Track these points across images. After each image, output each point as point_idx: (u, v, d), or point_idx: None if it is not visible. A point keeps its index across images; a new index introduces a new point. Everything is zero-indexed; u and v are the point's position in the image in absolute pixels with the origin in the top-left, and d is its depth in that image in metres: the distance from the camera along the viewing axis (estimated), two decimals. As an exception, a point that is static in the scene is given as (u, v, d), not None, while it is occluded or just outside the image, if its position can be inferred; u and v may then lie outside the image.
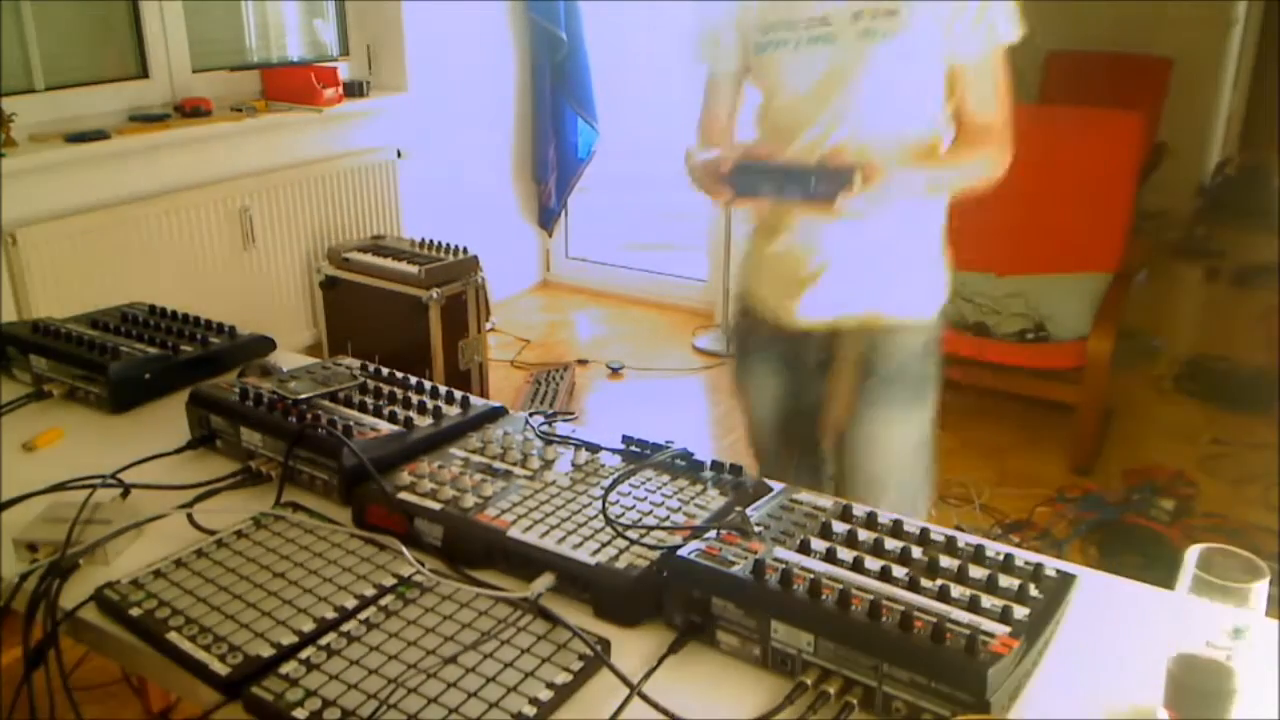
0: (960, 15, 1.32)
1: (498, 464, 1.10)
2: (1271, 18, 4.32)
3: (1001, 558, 0.88)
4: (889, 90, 1.35)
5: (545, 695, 0.78)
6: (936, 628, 0.76)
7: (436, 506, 1.01)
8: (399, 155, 3.57)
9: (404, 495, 1.03)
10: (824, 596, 0.81)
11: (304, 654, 0.83)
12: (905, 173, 1.31)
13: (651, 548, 0.93)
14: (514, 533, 0.96)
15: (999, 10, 1.32)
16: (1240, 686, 0.74)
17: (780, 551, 0.88)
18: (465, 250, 3.17)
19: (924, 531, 0.93)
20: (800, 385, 1.51)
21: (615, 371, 3.70)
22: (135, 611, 0.89)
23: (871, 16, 1.34)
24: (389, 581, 0.93)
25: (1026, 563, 0.89)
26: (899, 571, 0.85)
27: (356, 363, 1.34)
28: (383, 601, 0.90)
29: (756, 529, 0.92)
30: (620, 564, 0.91)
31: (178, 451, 1.21)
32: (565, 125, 4.22)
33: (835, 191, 1.21)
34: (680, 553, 0.89)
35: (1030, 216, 3.03)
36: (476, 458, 1.11)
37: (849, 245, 1.39)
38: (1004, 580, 0.84)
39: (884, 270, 1.41)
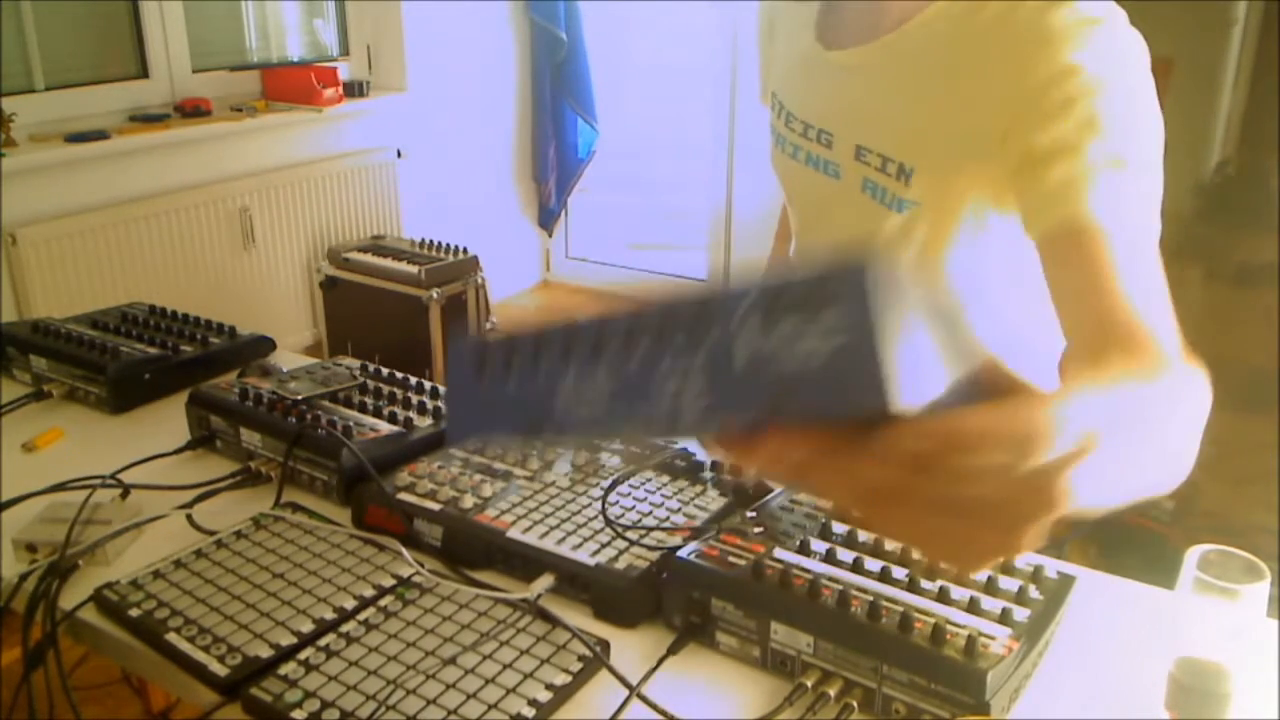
0: (1034, 171, 0.84)
1: (497, 464, 1.10)
2: (1271, 18, 4.31)
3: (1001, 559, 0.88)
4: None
5: (544, 696, 0.78)
6: (936, 629, 0.76)
7: (436, 507, 1.01)
8: (399, 155, 3.57)
9: (403, 496, 1.03)
10: (824, 597, 0.81)
11: (303, 655, 0.83)
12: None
13: (651, 548, 0.93)
14: (513, 533, 0.96)
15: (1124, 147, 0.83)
16: (1241, 688, 0.74)
17: (780, 552, 0.88)
18: (465, 250, 3.18)
19: (924, 532, 0.92)
20: None
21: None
22: (134, 612, 0.89)
23: (879, 165, 0.99)
24: (388, 582, 0.93)
25: (1027, 564, 0.88)
26: (899, 572, 0.85)
27: (356, 363, 1.34)
28: (382, 602, 0.90)
29: (756, 529, 0.92)
30: (620, 565, 0.91)
31: (177, 452, 1.21)
32: (565, 125, 4.22)
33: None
34: (680, 553, 0.89)
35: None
36: (476, 458, 1.11)
37: None
38: (1004, 582, 0.84)
39: None
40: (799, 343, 0.39)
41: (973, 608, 0.80)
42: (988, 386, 0.43)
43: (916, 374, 0.38)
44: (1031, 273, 0.85)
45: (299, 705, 0.77)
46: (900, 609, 0.78)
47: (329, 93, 3.23)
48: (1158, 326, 0.76)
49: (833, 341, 0.38)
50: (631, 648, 0.86)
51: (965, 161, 0.93)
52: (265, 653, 0.84)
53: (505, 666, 0.82)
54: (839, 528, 0.93)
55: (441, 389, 1.25)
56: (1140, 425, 0.58)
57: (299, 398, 1.19)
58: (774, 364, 0.39)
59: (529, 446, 0.55)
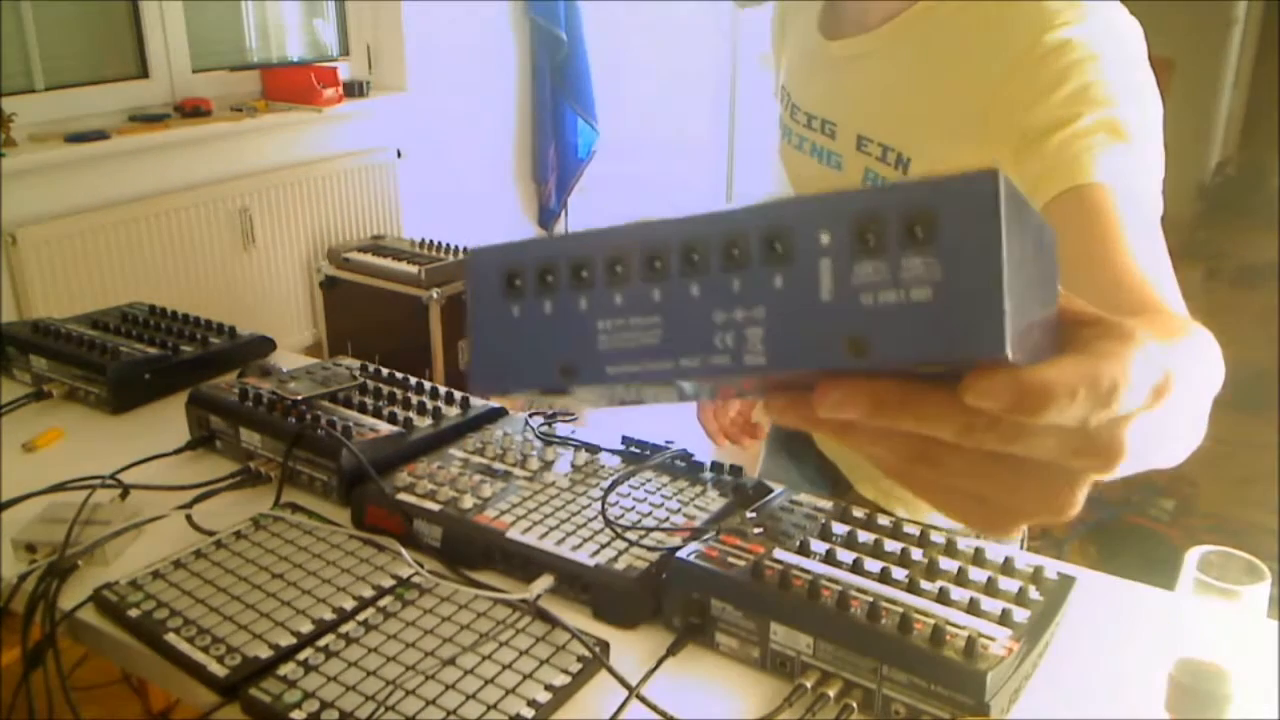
0: (1035, 150, 0.83)
1: (497, 465, 1.10)
2: (1271, 18, 4.31)
3: (1002, 560, 0.88)
4: None
5: (544, 697, 0.78)
6: (936, 630, 0.76)
7: (435, 507, 1.01)
8: (399, 155, 3.57)
9: (403, 496, 1.03)
10: (823, 598, 0.81)
11: (302, 655, 0.83)
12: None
13: (651, 549, 0.93)
14: (513, 534, 0.96)
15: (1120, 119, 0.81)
16: (1241, 689, 0.74)
17: (780, 553, 0.88)
18: (465, 250, 3.17)
19: (924, 533, 0.92)
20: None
21: (615, 371, 3.70)
22: (133, 612, 0.89)
23: (879, 155, 0.99)
24: (387, 583, 0.93)
25: (1027, 565, 0.88)
26: (899, 573, 0.85)
27: (356, 363, 1.34)
28: (381, 603, 0.90)
29: (756, 530, 0.92)
30: (619, 565, 0.91)
31: (177, 452, 1.21)
32: (565, 125, 4.22)
33: None
34: (679, 554, 0.89)
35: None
36: (476, 458, 1.11)
37: None
38: (1004, 582, 0.84)
39: None
40: (904, 269, 0.31)
41: (973, 609, 0.80)
42: (1064, 322, 0.37)
43: (1021, 315, 0.31)
44: None
45: (298, 706, 0.77)
46: (900, 610, 0.78)
47: (329, 93, 3.23)
48: (1168, 290, 0.73)
49: (950, 270, 0.30)
50: (631, 648, 0.86)
51: (963, 147, 0.92)
52: (264, 653, 0.83)
53: (504, 667, 0.81)
54: (839, 528, 0.93)
55: (442, 389, 1.25)
56: (1183, 379, 0.55)
57: (299, 398, 1.19)
58: (871, 294, 0.32)
59: (566, 400, 0.42)
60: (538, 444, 1.14)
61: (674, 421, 1.22)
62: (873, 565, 0.86)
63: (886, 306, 0.31)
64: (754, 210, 0.33)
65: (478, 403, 1.23)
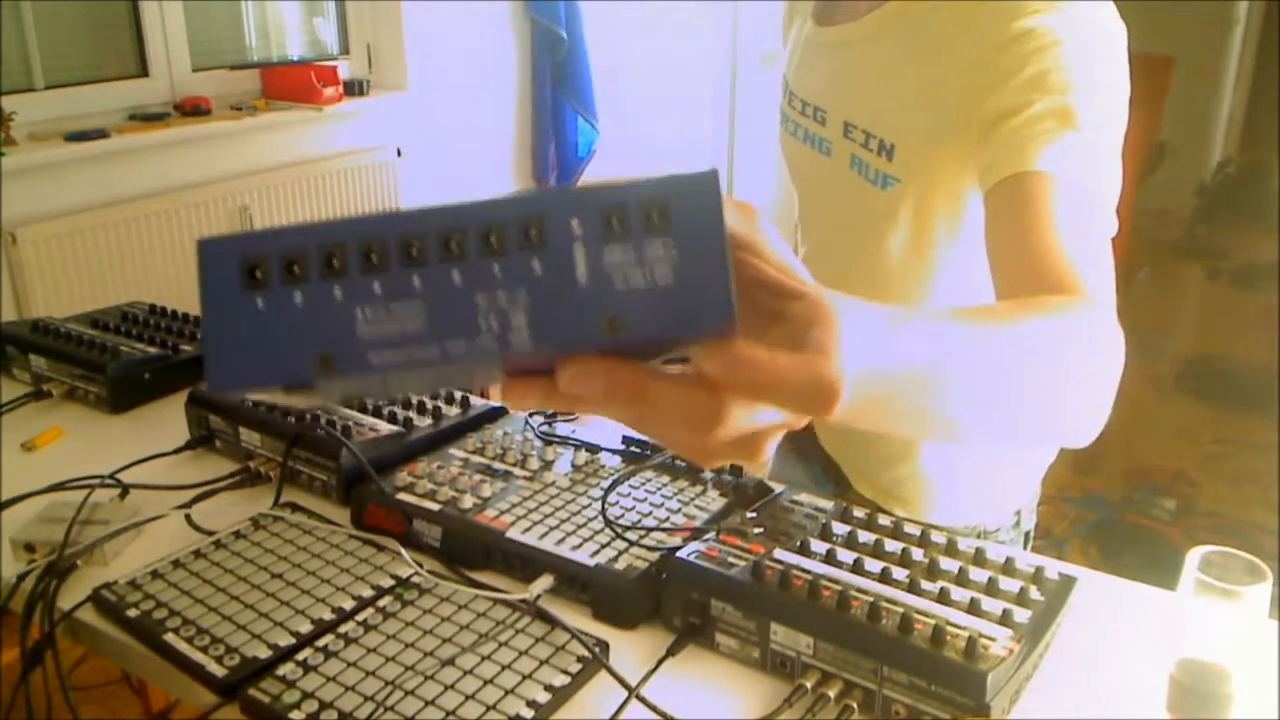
0: (994, 141, 0.84)
1: (497, 464, 1.09)
2: (1272, 17, 4.31)
3: (1003, 560, 0.88)
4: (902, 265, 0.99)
5: (543, 697, 0.78)
6: (937, 630, 0.76)
7: (435, 507, 1.01)
8: (399, 154, 3.57)
9: (403, 496, 1.03)
10: (824, 598, 0.81)
11: (301, 656, 0.83)
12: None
13: (651, 549, 0.93)
14: (513, 534, 0.96)
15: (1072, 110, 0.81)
16: (1242, 690, 0.74)
17: (780, 553, 0.88)
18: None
19: (925, 533, 0.92)
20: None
21: (615, 371, 3.70)
22: (132, 612, 0.89)
23: (863, 141, 0.99)
24: (387, 583, 0.93)
25: (1028, 565, 0.88)
26: (899, 573, 0.84)
27: (356, 363, 1.34)
28: (381, 603, 0.90)
29: (756, 530, 0.92)
30: (619, 565, 0.91)
31: (176, 452, 1.20)
32: (565, 124, 4.22)
33: None
34: (679, 554, 0.88)
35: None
36: (476, 458, 1.11)
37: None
38: (1005, 583, 0.84)
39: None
40: (647, 252, 0.35)
41: (973, 609, 0.80)
42: (773, 294, 0.41)
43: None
44: None
45: (297, 706, 0.77)
46: (900, 610, 0.78)
47: (329, 91, 3.23)
48: (1090, 277, 0.73)
49: (683, 252, 0.35)
50: (631, 649, 0.86)
51: (943, 135, 0.92)
52: (264, 653, 0.83)
53: (504, 667, 0.81)
54: (839, 528, 0.92)
55: (441, 388, 1.25)
56: (1037, 358, 0.59)
57: (298, 397, 1.18)
58: (622, 276, 0.35)
59: (311, 396, 0.41)
60: (538, 444, 1.14)
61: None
62: (873, 565, 0.86)
63: (636, 288, 0.35)
64: (509, 201, 0.36)
65: (478, 402, 1.23)
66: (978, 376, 0.53)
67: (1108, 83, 0.86)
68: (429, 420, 1.17)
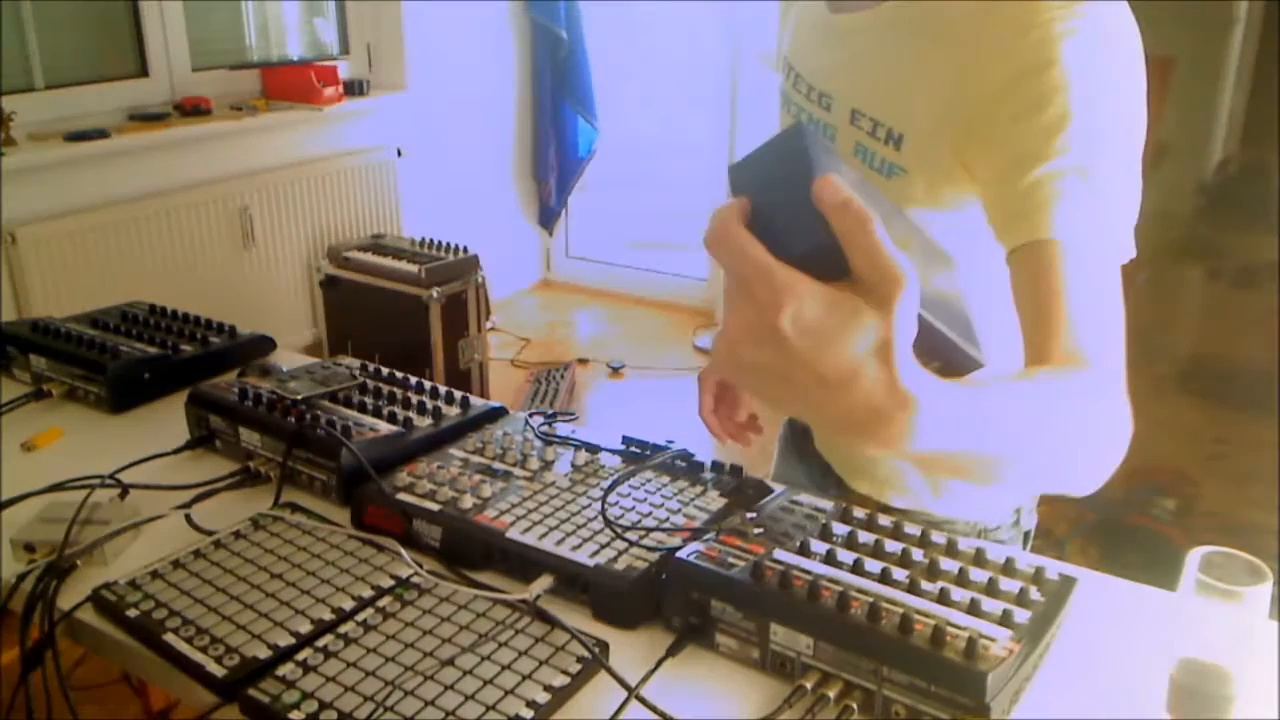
0: (1015, 173, 0.84)
1: (497, 465, 1.09)
2: (1272, 17, 4.30)
3: (1003, 560, 0.88)
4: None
5: (543, 698, 0.78)
6: (937, 631, 0.76)
7: (435, 507, 1.00)
8: (399, 154, 3.57)
9: (403, 496, 1.03)
10: (823, 599, 0.80)
11: (301, 656, 0.83)
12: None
13: (651, 549, 0.93)
14: (513, 534, 0.96)
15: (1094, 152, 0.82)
16: (1243, 690, 0.74)
17: (780, 553, 0.88)
18: (465, 249, 3.18)
19: (925, 534, 0.92)
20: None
21: (616, 371, 3.70)
22: (132, 612, 0.89)
23: (870, 130, 0.98)
24: (387, 583, 0.93)
25: (1028, 565, 0.88)
26: (899, 574, 0.84)
27: (356, 362, 1.34)
28: (380, 603, 0.90)
29: (756, 531, 0.92)
30: (619, 565, 0.91)
31: (176, 452, 1.20)
32: (565, 124, 4.23)
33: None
34: (679, 554, 0.88)
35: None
36: (476, 458, 1.11)
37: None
38: (1005, 583, 0.84)
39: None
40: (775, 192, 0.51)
41: (973, 609, 0.80)
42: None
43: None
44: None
45: (296, 706, 0.77)
46: (900, 611, 0.78)
47: (329, 91, 3.23)
48: (1090, 340, 0.79)
49: (789, 189, 0.50)
50: (630, 649, 0.86)
51: (952, 131, 0.92)
52: (263, 653, 0.83)
53: (504, 668, 0.81)
54: (839, 529, 0.92)
55: (441, 388, 1.25)
56: (1036, 425, 0.67)
57: (298, 397, 1.18)
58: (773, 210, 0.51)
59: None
60: (538, 444, 1.14)
61: (675, 421, 1.22)
62: (873, 566, 0.86)
63: (782, 222, 0.51)
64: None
65: (478, 402, 1.23)
66: (996, 441, 0.62)
67: (1126, 111, 0.86)
68: (429, 420, 1.17)
